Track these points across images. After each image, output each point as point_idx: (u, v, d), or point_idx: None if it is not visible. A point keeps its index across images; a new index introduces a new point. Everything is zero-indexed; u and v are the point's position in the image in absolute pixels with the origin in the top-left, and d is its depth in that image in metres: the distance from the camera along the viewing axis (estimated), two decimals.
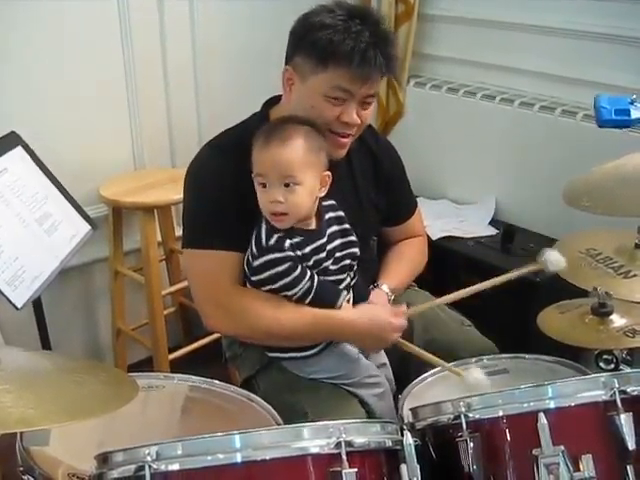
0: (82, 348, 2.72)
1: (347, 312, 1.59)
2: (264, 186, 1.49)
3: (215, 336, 2.66)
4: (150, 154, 2.69)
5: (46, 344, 2.13)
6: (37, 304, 2.07)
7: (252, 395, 1.50)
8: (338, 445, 0.92)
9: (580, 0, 2.44)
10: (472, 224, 2.62)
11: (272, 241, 1.51)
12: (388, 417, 1.66)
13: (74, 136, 2.47)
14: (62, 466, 1.27)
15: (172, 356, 2.57)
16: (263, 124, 1.65)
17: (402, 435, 1.01)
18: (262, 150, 1.48)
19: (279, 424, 1.42)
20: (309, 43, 1.54)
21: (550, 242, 2.49)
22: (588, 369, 1.58)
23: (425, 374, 1.64)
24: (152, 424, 1.49)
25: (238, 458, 0.96)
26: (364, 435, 0.96)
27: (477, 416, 1.05)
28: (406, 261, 1.87)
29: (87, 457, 1.13)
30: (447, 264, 2.45)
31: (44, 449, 1.28)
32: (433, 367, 1.65)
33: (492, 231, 2.60)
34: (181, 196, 2.37)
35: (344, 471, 0.91)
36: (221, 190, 1.60)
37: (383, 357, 1.75)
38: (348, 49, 1.50)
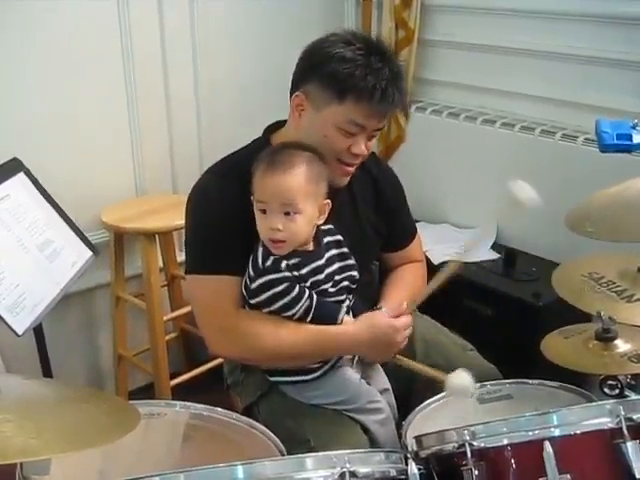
0: (83, 374, 2.71)
1: (349, 326, 1.60)
2: (264, 212, 1.50)
3: (216, 362, 2.66)
4: (152, 180, 2.70)
5: (47, 370, 2.11)
6: (38, 330, 2.06)
7: (254, 423, 1.48)
8: (342, 476, 0.91)
9: (579, 24, 2.45)
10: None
11: (268, 262, 1.52)
12: (390, 444, 1.65)
13: (75, 162, 2.49)
14: None
15: (174, 382, 2.56)
16: (263, 148, 1.66)
17: (406, 464, 1.00)
18: (264, 177, 1.49)
19: (282, 453, 1.40)
20: (327, 74, 1.54)
21: (552, 266, 2.51)
22: (592, 394, 1.57)
23: (429, 400, 1.63)
24: (153, 452, 1.48)
25: None
26: (368, 465, 0.95)
27: (482, 444, 1.04)
28: (406, 285, 1.86)
29: None
30: (449, 288, 2.43)
31: (44, 478, 1.27)
32: (435, 393, 1.64)
33: (494, 255, 2.59)
34: (183, 222, 2.43)
35: None
36: (223, 215, 1.60)
37: (385, 382, 1.74)
38: (370, 86, 1.52)
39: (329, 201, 1.56)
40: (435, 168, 2.89)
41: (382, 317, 1.61)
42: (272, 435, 1.45)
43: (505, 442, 1.05)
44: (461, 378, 1.43)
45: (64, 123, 2.44)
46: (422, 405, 1.61)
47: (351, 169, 1.65)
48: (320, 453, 1.00)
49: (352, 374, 1.64)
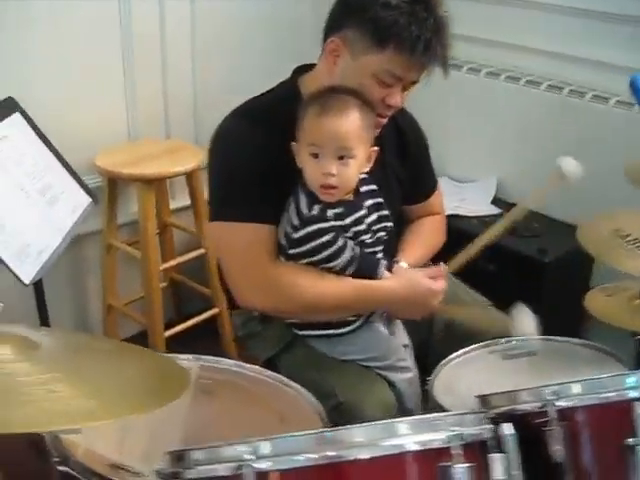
0: (71, 323, 2.63)
1: (388, 281, 1.56)
2: (316, 156, 1.43)
3: (210, 313, 2.61)
4: (144, 124, 2.59)
5: (45, 321, 2.03)
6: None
7: (281, 377, 1.44)
8: (448, 439, 0.88)
9: None
10: (474, 203, 2.60)
11: (315, 211, 1.46)
12: (415, 402, 1.64)
13: (68, 104, 2.37)
14: (97, 456, 1.20)
15: (168, 333, 2.50)
16: (293, 93, 1.61)
17: (493, 424, 0.97)
18: (319, 119, 1.43)
19: (316, 408, 1.36)
20: (369, 20, 1.47)
21: (553, 222, 2.52)
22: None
23: (451, 355, 1.61)
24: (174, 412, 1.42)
25: (365, 454, 0.90)
26: (467, 426, 0.92)
27: (567, 404, 1.02)
28: (424, 239, 1.83)
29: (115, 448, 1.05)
30: (453, 243, 2.41)
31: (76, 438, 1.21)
32: (453, 348, 1.62)
33: (495, 210, 2.57)
34: (180, 168, 2.36)
35: (455, 466, 0.86)
36: (253, 160, 1.53)
37: (406, 338, 1.71)
38: (413, 36, 1.44)
39: (376, 148, 1.51)
40: (434, 119, 2.79)
41: (421, 278, 1.57)
42: (304, 391, 1.41)
43: (592, 402, 1.03)
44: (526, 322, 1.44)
45: (56, 63, 2.32)
46: (446, 360, 1.60)
47: (384, 120, 1.59)
48: (416, 417, 0.95)
49: (383, 330, 1.62)
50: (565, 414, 1.02)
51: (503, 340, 1.64)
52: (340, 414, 1.49)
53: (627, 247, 1.61)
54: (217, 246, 1.61)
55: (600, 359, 1.56)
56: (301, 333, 1.62)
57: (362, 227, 1.53)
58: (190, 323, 2.56)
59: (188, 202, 2.64)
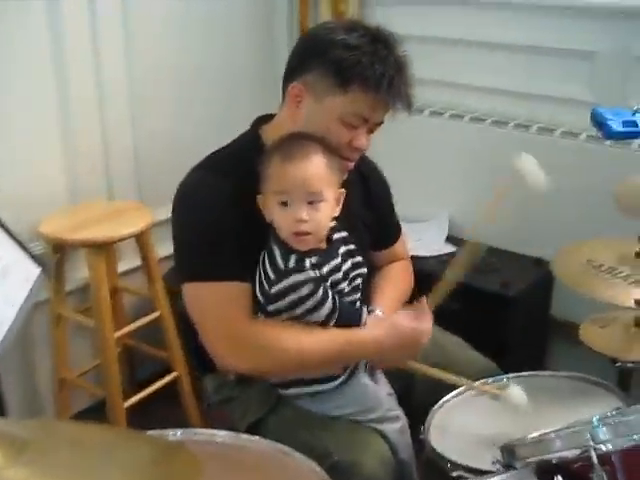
0: (17, 401, 2.46)
1: (373, 330, 1.51)
2: (285, 204, 1.39)
3: (167, 379, 2.49)
4: (85, 186, 2.49)
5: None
6: None
7: (286, 448, 1.32)
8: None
9: (526, 13, 2.46)
10: (429, 242, 2.59)
11: (291, 263, 1.41)
12: (408, 452, 1.59)
13: (3, 170, 2.25)
14: None
15: (127, 403, 2.37)
16: (256, 144, 1.57)
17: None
18: (283, 166, 1.39)
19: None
20: (331, 61, 1.45)
21: (512, 257, 2.53)
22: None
23: (443, 399, 1.57)
24: None
25: None
26: None
27: (608, 447, 0.98)
28: (395, 285, 1.79)
29: None
30: (415, 284, 2.40)
31: None
32: (438, 393, 1.59)
33: (450, 248, 2.57)
34: (131, 230, 2.27)
35: None
36: (222, 215, 1.48)
37: (389, 387, 1.66)
38: (377, 74, 1.43)
39: (343, 190, 1.48)
40: (382, 161, 2.84)
41: (405, 320, 1.53)
42: (306, 459, 1.32)
43: (628, 445, 0.99)
44: (519, 396, 1.41)
45: None
46: (438, 404, 1.56)
47: (351, 164, 1.57)
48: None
49: (368, 381, 1.56)
50: (604, 458, 0.98)
51: (490, 380, 1.61)
52: (337, 473, 1.41)
53: (604, 277, 1.61)
54: (191, 308, 1.53)
55: (589, 391, 1.54)
56: (286, 393, 1.55)
57: (339, 275, 1.49)
58: (149, 391, 2.44)
59: (136, 263, 2.55)
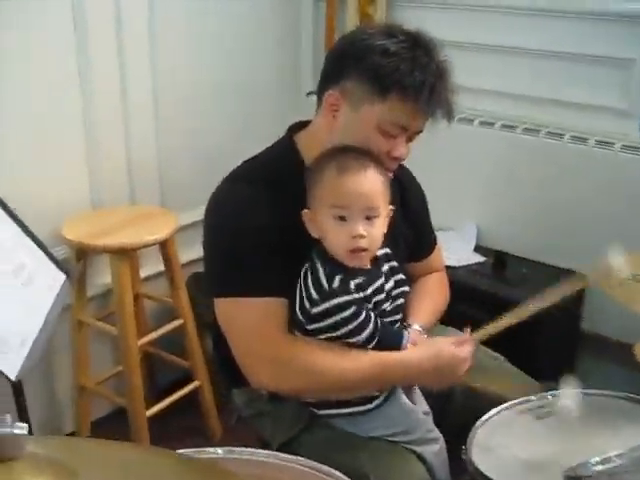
0: (36, 410, 2.42)
1: (413, 353, 1.45)
2: (342, 219, 1.34)
3: (189, 388, 2.45)
4: (108, 191, 2.45)
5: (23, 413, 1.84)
6: None
7: (325, 468, 1.26)
8: None
9: (561, 21, 2.40)
10: (457, 251, 2.53)
11: (335, 283, 1.36)
12: (445, 474, 1.54)
13: (27, 175, 2.22)
14: None
15: (149, 412, 2.32)
16: (292, 152, 1.52)
17: None
18: (342, 179, 1.34)
19: None
20: (368, 68, 1.39)
21: (542, 267, 2.48)
22: None
23: (484, 417, 1.51)
24: None
25: None
26: None
27: None
28: (431, 298, 1.75)
29: None
30: None
31: None
32: (477, 411, 1.53)
33: (479, 258, 2.52)
34: (156, 236, 2.22)
35: None
36: (259, 227, 1.42)
37: (426, 405, 1.61)
38: (417, 82, 1.37)
39: (392, 207, 1.44)
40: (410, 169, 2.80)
41: (446, 345, 1.47)
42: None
43: None
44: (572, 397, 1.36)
45: (15, 132, 2.17)
46: (479, 422, 1.49)
47: (390, 175, 1.51)
48: None
49: (406, 401, 1.51)
50: None
51: (534, 398, 1.55)
52: None
53: None
54: (226, 324, 1.48)
55: (634, 410, 1.48)
56: (321, 412, 1.50)
57: (382, 296, 1.44)
58: (171, 399, 2.39)
59: (157, 269, 2.51)
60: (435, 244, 1.84)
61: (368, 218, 1.35)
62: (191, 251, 2.59)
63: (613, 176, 2.31)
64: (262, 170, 1.52)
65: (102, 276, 2.38)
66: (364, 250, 1.36)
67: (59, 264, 1.96)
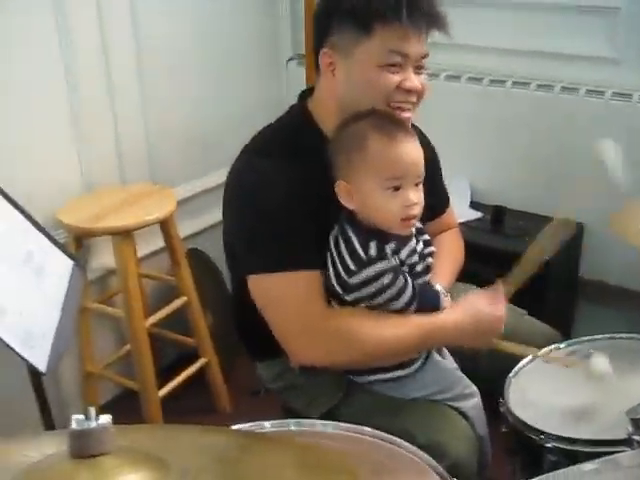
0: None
1: (451, 314, 1.45)
2: (396, 189, 1.33)
3: (197, 365, 2.43)
4: (98, 172, 2.39)
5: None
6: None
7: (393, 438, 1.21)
8: None
9: None
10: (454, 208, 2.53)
11: (372, 251, 1.35)
12: (483, 427, 1.56)
13: (17, 160, 2.15)
14: None
15: (162, 392, 2.30)
16: (308, 121, 1.50)
17: None
18: (394, 150, 1.33)
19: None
20: (345, 12, 1.38)
21: (539, 219, 2.49)
22: None
23: (515, 368, 1.53)
24: None
25: None
26: None
27: None
28: (449, 255, 1.75)
29: None
30: None
31: None
32: (503, 367, 1.55)
33: (476, 214, 2.53)
34: (157, 215, 2.18)
35: None
36: (288, 199, 1.40)
37: (453, 360, 1.62)
38: (392, 3, 1.34)
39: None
40: None
41: (484, 305, 1.45)
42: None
43: None
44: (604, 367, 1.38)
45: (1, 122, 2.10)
46: (512, 373, 1.51)
47: (407, 115, 1.45)
48: None
49: (442, 360, 1.52)
50: None
51: (562, 346, 1.58)
52: None
53: None
54: (262, 301, 1.45)
55: None
56: (361, 379, 1.50)
57: (415, 258, 1.44)
58: (180, 378, 2.37)
59: (151, 248, 2.48)
60: (448, 201, 1.84)
61: (416, 184, 1.35)
62: (187, 227, 2.56)
63: (605, 123, 2.33)
64: (282, 141, 1.49)
65: (98, 259, 2.34)
66: (415, 217, 1.36)
67: (66, 251, 1.91)
